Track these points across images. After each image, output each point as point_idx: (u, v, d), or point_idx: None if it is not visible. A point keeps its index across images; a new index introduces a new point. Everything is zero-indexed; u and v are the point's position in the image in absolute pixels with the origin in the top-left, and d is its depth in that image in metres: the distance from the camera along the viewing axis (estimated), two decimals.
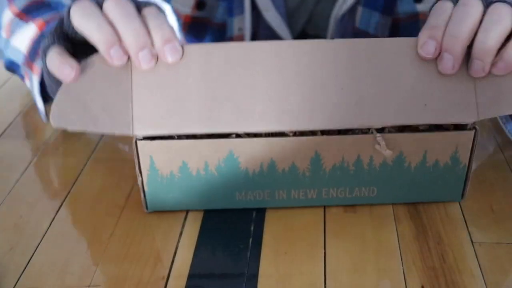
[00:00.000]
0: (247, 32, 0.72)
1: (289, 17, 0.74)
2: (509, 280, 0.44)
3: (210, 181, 0.48)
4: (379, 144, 0.47)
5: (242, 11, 0.71)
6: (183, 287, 0.44)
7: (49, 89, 0.53)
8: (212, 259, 0.46)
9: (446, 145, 0.48)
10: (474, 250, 0.47)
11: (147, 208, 0.50)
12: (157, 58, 0.46)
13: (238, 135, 0.48)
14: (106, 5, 0.45)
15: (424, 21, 0.72)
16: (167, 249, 0.47)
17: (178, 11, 0.78)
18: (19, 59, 0.59)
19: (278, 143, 0.47)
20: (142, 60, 0.45)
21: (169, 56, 0.45)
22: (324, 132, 0.48)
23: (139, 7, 0.47)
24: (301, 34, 0.77)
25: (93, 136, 0.63)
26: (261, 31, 0.75)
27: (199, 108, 0.46)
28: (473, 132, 0.47)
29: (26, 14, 0.60)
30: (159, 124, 0.46)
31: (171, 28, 0.46)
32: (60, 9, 0.60)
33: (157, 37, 0.45)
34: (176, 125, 0.46)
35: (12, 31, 0.61)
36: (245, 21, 0.71)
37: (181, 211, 0.51)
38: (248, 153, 0.47)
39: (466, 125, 0.48)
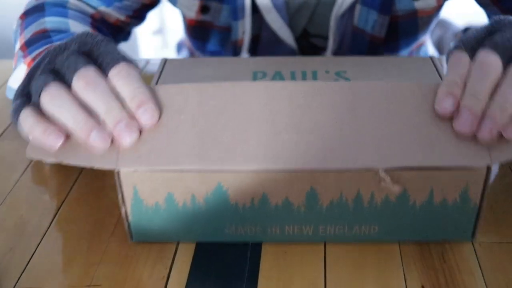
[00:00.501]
0: (247, 36, 0.71)
1: (290, 19, 0.73)
2: (509, 280, 0.44)
3: (197, 213, 0.45)
4: (384, 180, 0.43)
5: (245, 15, 0.70)
6: None
7: None
8: None
9: (455, 183, 0.44)
10: (474, 250, 0.46)
11: (132, 238, 0.47)
12: (138, 129, 0.43)
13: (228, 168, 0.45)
14: (76, 86, 0.44)
15: (422, 19, 0.70)
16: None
17: (184, 15, 0.76)
18: None
19: (270, 177, 0.43)
20: (123, 137, 0.43)
21: (144, 119, 0.43)
22: None
23: (106, 70, 0.45)
24: (302, 34, 0.75)
25: None
26: (263, 33, 0.74)
27: (187, 145, 0.43)
28: (485, 169, 0.43)
29: (27, 47, 0.59)
30: (145, 159, 0.43)
31: (143, 87, 0.44)
32: (55, 39, 0.59)
33: (132, 103, 0.43)
34: (163, 161, 0.43)
35: (15, 65, 0.61)
36: (245, 24, 0.70)
37: (171, 242, 0.48)
38: (238, 186, 0.44)
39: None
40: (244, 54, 0.74)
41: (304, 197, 0.44)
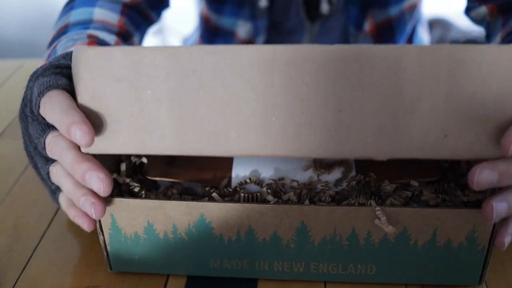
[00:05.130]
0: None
1: None
2: (509, 280, 0.43)
3: (180, 245, 0.42)
4: (379, 219, 0.39)
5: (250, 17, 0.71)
6: None
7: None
8: None
9: (460, 224, 0.40)
10: None
11: (110, 268, 0.44)
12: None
13: (210, 198, 0.41)
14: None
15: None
16: None
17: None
18: None
19: (257, 210, 0.40)
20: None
21: (78, 139, 0.37)
22: (312, 201, 0.41)
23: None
24: None
25: None
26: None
27: (158, 127, 0.37)
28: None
29: (49, 46, 0.57)
30: (111, 145, 0.38)
31: (65, 112, 0.38)
32: (69, 33, 0.57)
33: (61, 130, 0.38)
34: (130, 146, 0.38)
35: None
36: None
37: (161, 274, 0.45)
38: (222, 218, 0.40)
39: (483, 200, 0.40)
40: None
41: (294, 233, 0.41)
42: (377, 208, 0.39)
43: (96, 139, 0.38)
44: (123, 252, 0.43)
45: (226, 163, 0.44)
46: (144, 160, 0.46)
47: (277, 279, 0.43)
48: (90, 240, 0.48)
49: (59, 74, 0.40)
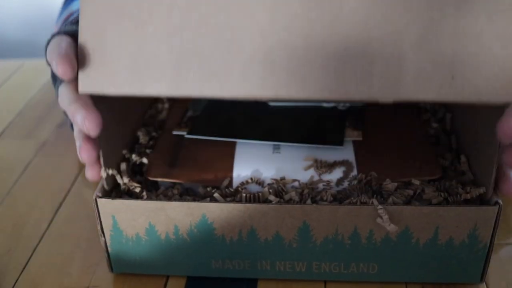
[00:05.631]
0: None
1: None
2: (509, 280, 0.43)
3: (181, 246, 0.42)
4: (381, 217, 0.39)
5: None
6: None
7: None
8: None
9: (462, 222, 0.40)
10: None
11: (112, 269, 0.44)
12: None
13: (212, 199, 0.41)
14: None
15: None
16: None
17: None
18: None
19: (259, 210, 0.40)
20: None
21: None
22: (314, 200, 0.41)
23: None
24: None
25: None
26: None
27: (160, 64, 0.36)
28: (496, 208, 0.39)
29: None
30: (107, 83, 0.36)
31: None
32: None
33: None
34: (128, 86, 0.36)
35: None
36: None
37: (161, 275, 0.45)
38: (224, 219, 0.40)
39: (488, 200, 0.40)
40: None
41: (296, 232, 0.41)
42: (379, 206, 0.39)
43: (95, 79, 0.37)
44: (124, 254, 0.43)
45: (227, 163, 0.44)
46: (145, 160, 0.46)
47: (277, 279, 0.43)
48: (90, 240, 0.48)
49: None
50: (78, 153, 0.40)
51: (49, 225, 0.50)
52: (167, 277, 0.44)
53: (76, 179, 0.56)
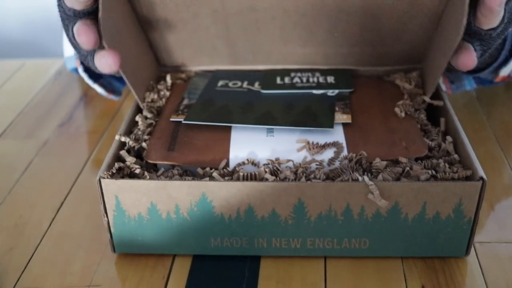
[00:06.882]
0: None
1: None
2: (509, 280, 0.43)
3: (181, 225, 0.44)
4: (372, 193, 0.41)
5: None
6: None
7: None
8: None
9: (448, 197, 0.42)
10: (475, 250, 0.46)
11: (114, 250, 0.46)
12: None
13: (211, 178, 0.43)
14: None
15: None
16: None
17: None
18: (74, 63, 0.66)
19: (256, 188, 0.42)
20: None
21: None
22: (308, 178, 0.43)
23: None
24: None
25: (93, 136, 0.64)
26: None
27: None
28: (480, 183, 0.41)
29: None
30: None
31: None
32: None
33: None
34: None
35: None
36: None
37: (167, 255, 0.46)
38: (223, 197, 0.42)
39: (471, 176, 0.42)
40: None
41: (292, 209, 0.43)
42: (370, 183, 0.41)
43: None
44: (127, 234, 0.45)
45: (223, 146, 0.46)
46: (144, 145, 0.47)
47: (277, 256, 0.45)
48: (91, 239, 0.48)
49: None
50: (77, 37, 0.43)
51: (50, 224, 0.50)
52: (169, 276, 0.45)
53: (77, 179, 0.57)
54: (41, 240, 0.49)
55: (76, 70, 0.70)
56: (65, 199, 0.54)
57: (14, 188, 0.56)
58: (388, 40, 0.55)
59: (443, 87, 0.64)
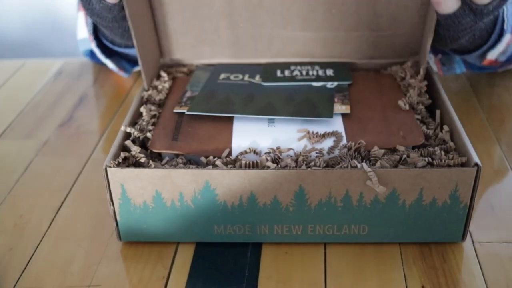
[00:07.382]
0: None
1: None
2: (509, 280, 0.43)
3: (185, 213, 0.45)
4: (370, 180, 0.43)
5: None
6: None
7: (101, 34, 0.63)
8: None
9: (444, 183, 0.43)
10: (475, 250, 0.46)
11: (120, 238, 0.47)
12: None
13: (214, 166, 0.45)
14: None
15: None
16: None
17: None
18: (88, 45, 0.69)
19: (258, 176, 0.43)
20: None
21: None
22: (308, 166, 0.44)
23: None
24: None
25: (93, 136, 0.64)
26: None
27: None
28: (475, 169, 0.43)
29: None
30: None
31: None
32: None
33: None
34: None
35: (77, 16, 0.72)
36: None
37: (171, 242, 0.47)
38: (226, 185, 0.43)
39: (467, 162, 0.44)
40: None
41: (293, 197, 0.44)
42: (369, 169, 0.42)
43: None
44: (132, 222, 0.46)
45: (226, 136, 0.48)
46: (149, 135, 0.49)
47: (278, 243, 0.47)
48: (91, 239, 0.49)
49: None
50: None
51: (50, 225, 0.50)
52: (170, 272, 0.45)
53: (77, 179, 0.57)
54: (41, 240, 0.49)
55: (89, 53, 0.72)
56: (65, 199, 0.54)
57: (14, 188, 0.56)
58: (384, 24, 0.57)
59: (435, 68, 0.68)
